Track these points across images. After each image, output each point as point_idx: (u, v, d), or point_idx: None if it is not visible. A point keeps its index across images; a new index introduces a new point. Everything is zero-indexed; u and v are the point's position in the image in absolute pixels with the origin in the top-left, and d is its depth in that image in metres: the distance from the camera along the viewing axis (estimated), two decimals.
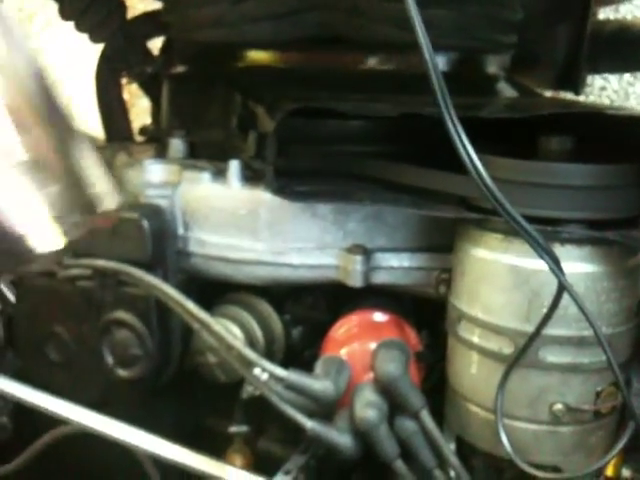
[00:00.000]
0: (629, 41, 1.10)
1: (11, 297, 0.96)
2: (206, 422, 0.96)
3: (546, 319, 0.60)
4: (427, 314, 0.83)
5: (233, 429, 0.89)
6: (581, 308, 0.58)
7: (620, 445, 0.62)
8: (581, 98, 1.20)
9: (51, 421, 0.82)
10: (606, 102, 1.58)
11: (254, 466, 0.91)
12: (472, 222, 0.68)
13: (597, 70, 1.26)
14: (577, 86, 1.09)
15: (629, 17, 1.49)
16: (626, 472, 0.69)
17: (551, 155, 0.67)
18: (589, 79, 1.34)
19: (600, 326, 0.60)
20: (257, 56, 0.93)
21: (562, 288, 0.58)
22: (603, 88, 1.58)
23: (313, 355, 0.83)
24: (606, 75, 1.54)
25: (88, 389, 0.88)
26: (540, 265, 0.60)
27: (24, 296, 0.93)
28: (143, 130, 1.19)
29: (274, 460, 0.88)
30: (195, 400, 0.94)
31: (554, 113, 0.65)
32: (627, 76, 1.55)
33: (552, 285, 0.60)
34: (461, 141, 0.55)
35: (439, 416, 0.74)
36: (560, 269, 0.57)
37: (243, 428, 0.89)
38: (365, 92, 0.86)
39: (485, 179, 0.55)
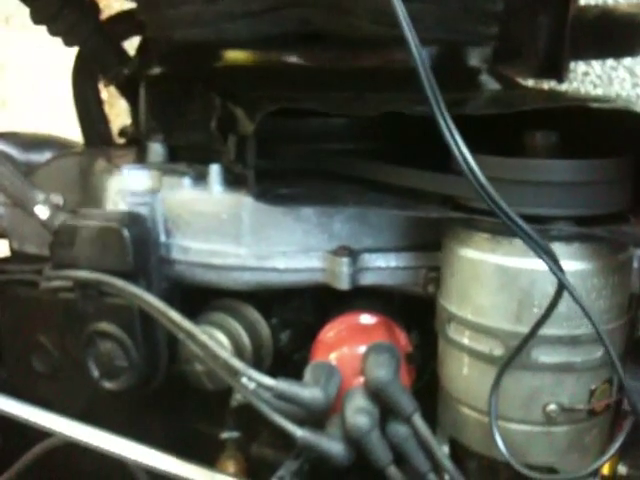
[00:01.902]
0: (612, 26, 1.09)
1: None
2: (198, 428, 0.95)
3: (543, 319, 0.58)
4: (417, 313, 0.82)
5: (224, 435, 0.88)
6: (582, 307, 0.56)
7: (617, 444, 0.62)
8: (564, 84, 1.19)
9: (41, 433, 0.81)
10: (589, 88, 1.57)
11: (247, 472, 0.90)
12: (459, 222, 0.67)
13: (580, 57, 1.26)
14: (560, 74, 1.08)
15: (610, 2, 1.48)
16: (622, 469, 0.68)
17: (536, 150, 0.66)
18: (572, 65, 1.33)
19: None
20: (236, 55, 0.92)
21: (562, 287, 0.56)
22: (586, 73, 1.57)
23: (303, 358, 0.82)
24: (589, 60, 1.53)
25: (75, 399, 0.87)
26: (529, 264, 0.59)
27: (7, 307, 0.92)
28: (122, 132, 1.17)
29: (268, 465, 0.87)
30: (186, 406, 0.93)
31: (538, 108, 0.64)
32: (610, 61, 1.54)
33: (542, 284, 0.59)
34: (455, 141, 0.54)
35: (432, 415, 0.73)
36: (560, 267, 0.55)
37: (234, 434, 0.88)
38: (348, 89, 0.84)
39: (480, 179, 0.54)
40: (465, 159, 0.53)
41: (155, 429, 0.88)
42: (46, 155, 1.06)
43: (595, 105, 0.65)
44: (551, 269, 0.56)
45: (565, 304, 0.58)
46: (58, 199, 0.81)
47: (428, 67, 0.54)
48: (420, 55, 0.53)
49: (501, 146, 0.66)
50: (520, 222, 0.54)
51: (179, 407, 0.93)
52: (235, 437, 0.88)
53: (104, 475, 0.86)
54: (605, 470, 0.68)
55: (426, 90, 0.54)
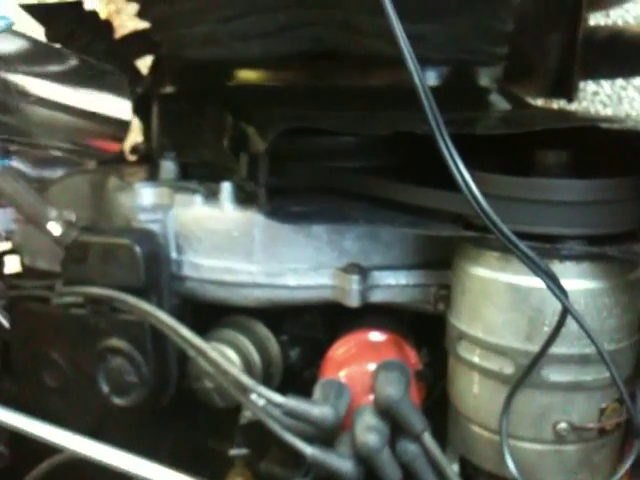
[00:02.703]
0: (621, 47, 1.10)
1: (6, 323, 0.95)
2: (207, 444, 0.95)
3: (551, 340, 0.59)
4: (426, 331, 0.82)
5: (233, 452, 0.88)
6: (583, 327, 0.57)
7: (627, 464, 0.61)
8: (574, 104, 1.19)
9: (49, 448, 0.81)
10: (599, 107, 1.57)
11: None
12: (470, 240, 0.67)
13: (590, 76, 1.26)
14: (570, 94, 1.09)
15: (620, 22, 1.49)
16: None
17: (547, 170, 0.66)
18: (582, 84, 1.34)
19: (602, 343, 0.59)
20: (248, 74, 0.93)
21: (565, 308, 0.57)
22: (596, 93, 1.58)
23: (312, 375, 0.82)
24: (599, 80, 1.54)
25: (84, 415, 0.87)
26: (540, 283, 0.59)
27: (19, 322, 0.92)
28: (134, 149, 1.18)
29: None
30: (195, 423, 0.93)
31: (549, 127, 0.64)
32: (619, 81, 1.55)
33: (552, 303, 0.59)
34: (453, 159, 0.55)
35: (442, 433, 0.73)
36: (560, 288, 0.56)
37: (243, 451, 0.88)
38: (359, 108, 0.85)
39: (478, 197, 0.54)
40: (462, 176, 0.54)
41: (164, 445, 0.88)
42: (58, 172, 1.07)
43: (605, 125, 0.65)
44: (549, 288, 0.56)
45: (575, 323, 0.58)
46: (71, 215, 0.81)
47: (426, 85, 0.54)
48: (418, 73, 0.54)
49: (512, 165, 0.66)
50: (517, 241, 0.54)
51: (188, 424, 0.93)
52: (244, 454, 0.88)
53: None
54: None
55: (424, 107, 0.54)
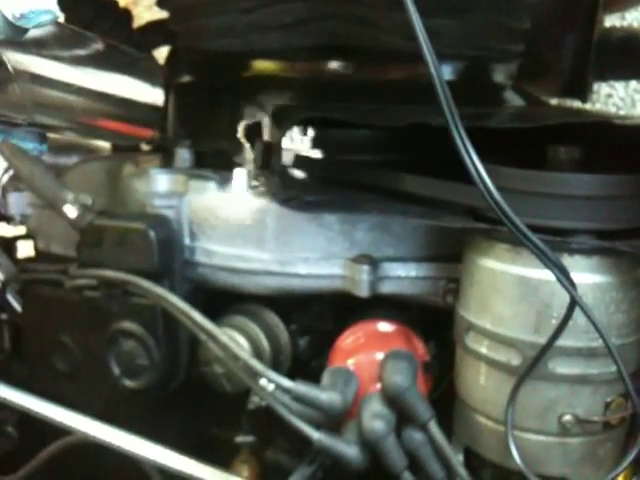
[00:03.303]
0: (636, 49, 1.10)
1: (17, 307, 0.96)
2: (213, 432, 0.96)
3: (558, 331, 0.59)
4: (434, 324, 0.82)
5: (240, 439, 0.89)
6: (592, 320, 0.58)
7: (630, 457, 0.62)
8: (587, 106, 1.19)
9: (57, 431, 0.82)
10: (612, 109, 1.57)
11: (261, 477, 0.90)
12: (480, 232, 0.67)
13: (604, 78, 1.26)
14: (584, 94, 1.09)
15: (635, 24, 1.48)
16: None
17: (559, 165, 0.67)
18: (595, 86, 1.34)
19: (609, 337, 0.60)
20: (264, 65, 0.93)
21: (574, 301, 0.57)
22: (609, 95, 1.58)
23: (320, 365, 0.83)
24: (612, 83, 1.54)
25: (94, 399, 0.88)
26: (549, 276, 0.59)
27: (31, 306, 0.93)
28: (149, 139, 1.19)
29: (281, 471, 0.88)
30: (202, 410, 0.94)
31: (562, 122, 0.65)
32: (633, 84, 1.55)
33: (561, 296, 0.60)
34: (467, 151, 0.55)
35: (447, 425, 0.74)
36: (570, 281, 0.56)
37: (249, 438, 0.89)
38: (373, 101, 0.86)
39: (491, 190, 0.55)
40: (476, 168, 0.54)
41: (171, 431, 0.89)
42: (74, 159, 1.08)
43: (618, 122, 0.66)
44: (560, 281, 0.56)
45: (583, 316, 0.59)
46: (87, 199, 0.82)
47: (443, 78, 0.55)
48: (435, 64, 0.55)
49: (526, 161, 0.67)
50: (530, 235, 0.55)
51: (196, 410, 0.94)
52: (250, 441, 0.89)
53: (118, 475, 0.87)
54: None
55: (440, 100, 0.55)
